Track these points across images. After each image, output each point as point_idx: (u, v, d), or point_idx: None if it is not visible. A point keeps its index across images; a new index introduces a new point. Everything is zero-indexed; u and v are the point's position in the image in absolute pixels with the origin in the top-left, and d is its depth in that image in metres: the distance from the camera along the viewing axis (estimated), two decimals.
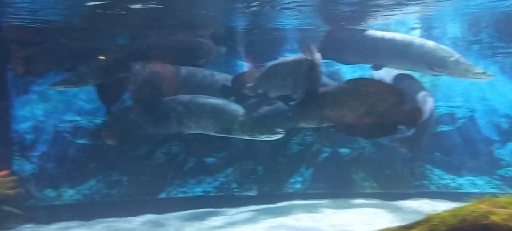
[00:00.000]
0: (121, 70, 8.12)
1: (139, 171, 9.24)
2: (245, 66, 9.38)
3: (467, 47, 8.99)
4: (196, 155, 9.48)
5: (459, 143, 9.39)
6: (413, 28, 9.53)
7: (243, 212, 8.68)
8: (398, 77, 8.50)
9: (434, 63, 7.77)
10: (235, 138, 8.34)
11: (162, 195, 9.26)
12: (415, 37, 8.15)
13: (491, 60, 8.97)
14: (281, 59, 8.00)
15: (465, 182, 9.30)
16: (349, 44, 8.32)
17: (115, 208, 8.73)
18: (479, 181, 9.30)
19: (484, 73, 7.59)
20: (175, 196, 9.30)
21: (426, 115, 7.46)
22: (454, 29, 9.53)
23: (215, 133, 7.80)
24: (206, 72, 8.39)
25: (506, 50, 9.25)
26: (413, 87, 8.23)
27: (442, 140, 9.37)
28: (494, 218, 2.39)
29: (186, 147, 9.41)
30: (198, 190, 9.37)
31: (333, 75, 9.52)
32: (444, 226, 2.67)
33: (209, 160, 9.51)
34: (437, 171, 9.43)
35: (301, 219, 7.91)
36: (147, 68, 7.99)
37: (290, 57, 8.10)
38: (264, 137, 7.60)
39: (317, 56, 7.03)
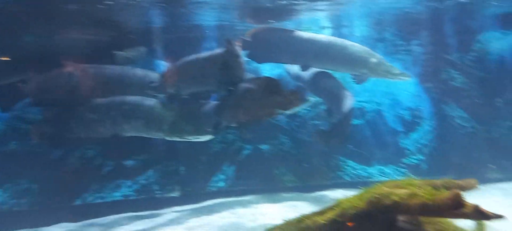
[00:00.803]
0: (17, 72, 7.58)
1: (51, 177, 8.68)
2: (163, 65, 9.23)
3: (373, 45, 9.64)
4: (114, 158, 9.14)
5: (368, 135, 10.07)
6: (324, 27, 10.03)
7: (166, 213, 8.54)
8: (318, 75, 8.88)
9: (357, 64, 8.18)
10: (154, 138, 8.19)
11: (78, 201, 8.79)
12: (339, 38, 8.47)
13: (394, 58, 9.72)
14: (195, 55, 7.84)
15: (375, 171, 9.99)
16: (276, 45, 8.50)
17: (25, 218, 8.13)
18: (387, 170, 10.04)
19: (402, 74, 8.15)
20: (92, 202, 8.88)
21: (346, 111, 7.90)
22: (361, 28, 10.19)
23: (142, 134, 7.60)
24: (127, 70, 8.14)
25: (407, 48, 10.10)
26: (333, 85, 8.66)
27: (354, 133, 9.99)
28: (394, 197, 2.63)
29: (103, 150, 9.03)
30: (117, 195, 9.03)
31: (255, 73, 9.74)
32: (352, 209, 2.87)
33: (128, 162, 9.22)
34: (350, 163, 10.03)
35: (225, 216, 7.97)
36: (52, 69, 7.53)
37: (206, 53, 7.99)
38: (193, 138, 7.53)
39: (238, 49, 7.12)
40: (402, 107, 10.28)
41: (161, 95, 7.87)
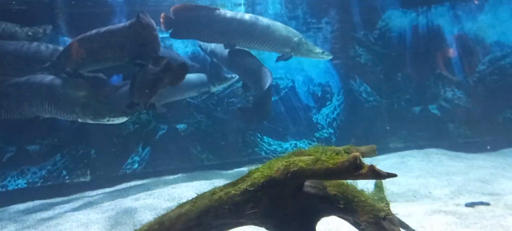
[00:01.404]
0: None
1: None
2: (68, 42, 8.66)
3: (286, 22, 9.88)
4: (16, 143, 8.46)
5: (283, 111, 10.39)
6: (238, 4, 10.06)
7: (78, 199, 8.14)
8: (235, 52, 8.89)
9: (280, 43, 8.31)
10: (62, 121, 7.71)
11: None
12: (263, 18, 8.51)
13: (306, 35, 10.05)
14: (99, 29, 7.28)
15: (289, 146, 10.38)
16: (201, 23, 8.35)
17: None
18: (301, 144, 10.47)
19: (323, 53, 8.44)
20: None
21: (266, 88, 8.04)
22: (274, 5, 10.37)
23: (53, 116, 7.10)
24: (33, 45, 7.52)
25: (318, 26, 10.49)
26: (250, 62, 8.75)
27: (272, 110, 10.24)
28: (300, 164, 2.74)
29: (3, 135, 8.30)
30: (22, 182, 8.41)
31: (169, 51, 9.51)
32: (262, 178, 2.95)
33: (33, 147, 8.59)
34: (265, 138, 10.30)
35: (140, 198, 7.80)
36: None
37: (113, 26, 7.45)
38: (107, 120, 7.19)
39: (151, 21, 6.88)
40: (314, 83, 10.71)
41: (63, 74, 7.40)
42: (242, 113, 8.92)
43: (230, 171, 9.48)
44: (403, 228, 4.21)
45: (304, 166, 2.75)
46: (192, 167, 9.70)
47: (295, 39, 8.38)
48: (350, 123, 10.49)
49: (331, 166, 2.62)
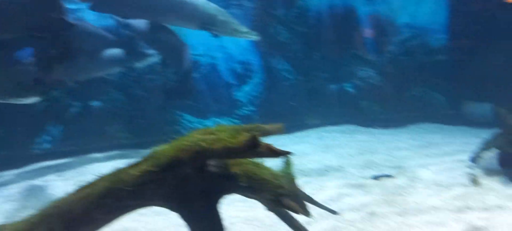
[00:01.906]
0: None
1: None
2: None
3: None
4: None
5: (204, 88, 10.30)
6: None
7: None
8: (153, 26, 8.56)
9: (205, 21, 8.07)
10: None
11: None
12: None
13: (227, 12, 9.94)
14: None
15: (211, 124, 10.35)
16: None
17: None
18: (222, 121, 10.47)
19: (249, 32, 8.31)
20: None
21: (187, 65, 7.87)
22: None
23: None
24: None
25: (238, 2, 10.44)
26: (170, 37, 8.49)
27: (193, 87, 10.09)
28: (201, 143, 2.72)
29: None
30: None
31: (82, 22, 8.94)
32: (166, 158, 2.89)
33: None
34: (186, 116, 10.17)
35: (49, 180, 7.38)
36: None
37: None
38: (16, 100, 6.61)
39: None
40: (235, 60, 10.72)
41: None
42: (167, 95, 8.70)
43: (148, 150, 9.20)
44: (310, 202, 4.38)
45: (206, 146, 2.73)
46: (108, 146, 9.32)
47: (221, 17, 8.24)
48: (270, 100, 10.67)
49: (230, 145, 2.63)
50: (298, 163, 7.76)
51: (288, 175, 4.21)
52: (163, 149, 3.02)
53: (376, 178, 6.54)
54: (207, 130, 3.09)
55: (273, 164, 4.28)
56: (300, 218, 4.08)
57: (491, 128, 7.21)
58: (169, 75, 9.65)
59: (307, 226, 3.95)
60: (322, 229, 4.64)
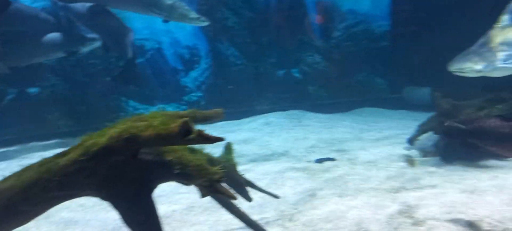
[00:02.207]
0: None
1: None
2: None
3: None
4: None
5: (149, 74, 10.05)
6: None
7: None
8: (93, 9, 8.19)
9: (153, 5, 7.76)
10: None
11: None
12: None
13: None
14: None
15: (157, 110, 10.13)
16: None
17: None
18: (169, 108, 10.31)
19: (199, 18, 8.04)
20: None
21: (129, 49, 7.59)
22: None
23: None
24: None
25: None
26: (111, 20, 8.15)
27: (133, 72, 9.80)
28: (135, 130, 2.64)
29: None
30: None
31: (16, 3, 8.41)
32: (95, 146, 2.78)
33: None
34: (131, 102, 9.90)
35: None
36: None
37: None
38: None
39: None
40: (181, 46, 10.53)
41: None
42: (114, 81, 8.38)
43: None
44: (252, 187, 4.41)
45: (137, 133, 2.65)
46: (48, 134, 8.93)
47: (168, 2, 7.95)
48: (218, 86, 10.60)
49: (162, 132, 2.57)
50: (244, 148, 7.84)
51: (228, 160, 4.21)
52: (93, 136, 2.91)
53: (319, 161, 6.69)
54: (140, 117, 3.00)
55: (215, 150, 4.27)
56: (243, 203, 4.12)
57: (429, 111, 7.54)
58: (111, 60, 9.34)
59: (249, 211, 3.99)
60: (264, 213, 4.70)
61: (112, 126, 2.98)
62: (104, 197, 2.92)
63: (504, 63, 5.10)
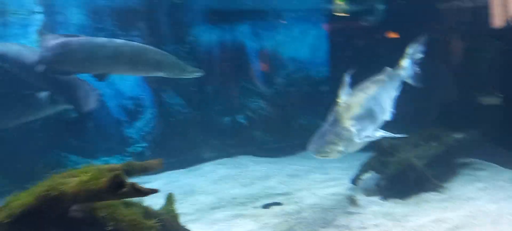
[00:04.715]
0: None
1: None
2: None
3: (94, 34, 9.32)
4: None
5: (91, 126, 9.74)
6: (34, 12, 9.13)
7: None
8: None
9: (158, 67, 7.76)
10: None
11: None
12: (134, 43, 7.96)
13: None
14: None
15: (100, 163, 9.76)
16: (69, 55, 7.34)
17: None
18: (113, 160, 9.95)
19: (195, 70, 8.02)
20: None
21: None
22: (77, 15, 9.72)
23: None
24: None
25: (127, 38, 10.18)
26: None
27: (75, 125, 9.48)
28: (63, 188, 2.54)
29: None
30: None
31: None
32: (19, 207, 2.65)
33: None
34: (72, 157, 9.49)
35: None
36: None
37: None
38: None
39: None
40: (125, 97, 10.37)
41: None
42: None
43: None
44: None
45: (66, 190, 2.55)
46: None
47: (169, 61, 7.99)
48: (164, 135, 10.44)
49: (91, 187, 2.49)
50: (190, 198, 7.70)
51: (169, 212, 4.13)
52: (20, 196, 2.77)
53: (266, 206, 6.69)
54: (71, 172, 2.91)
55: (156, 201, 4.16)
56: None
57: (369, 151, 7.80)
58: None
59: None
60: None
61: (40, 183, 2.86)
62: None
63: (359, 139, 5.28)
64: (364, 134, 5.33)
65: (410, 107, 9.49)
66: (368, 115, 5.58)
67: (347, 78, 5.71)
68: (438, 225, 5.42)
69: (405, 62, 6.65)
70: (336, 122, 5.33)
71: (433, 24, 9.87)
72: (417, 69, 6.75)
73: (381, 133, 5.62)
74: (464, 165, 8.13)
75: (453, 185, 7.13)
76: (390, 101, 6.20)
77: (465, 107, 9.20)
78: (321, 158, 5.18)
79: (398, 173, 6.73)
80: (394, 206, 6.32)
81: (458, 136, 8.16)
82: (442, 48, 9.97)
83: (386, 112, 6.01)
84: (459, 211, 5.86)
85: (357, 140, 5.23)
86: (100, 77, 7.93)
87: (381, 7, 11.03)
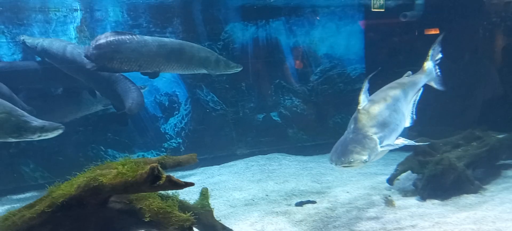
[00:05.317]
0: None
1: None
2: None
3: (130, 30, 9.51)
4: None
5: (128, 122, 9.96)
6: (75, 10, 9.42)
7: None
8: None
9: (202, 64, 8.08)
10: None
11: None
12: (182, 41, 8.24)
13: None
14: None
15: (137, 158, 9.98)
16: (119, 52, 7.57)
17: None
18: (149, 155, 10.17)
19: (236, 65, 8.41)
20: None
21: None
22: (115, 13, 9.94)
23: None
24: None
25: (162, 35, 10.36)
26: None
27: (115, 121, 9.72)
28: (102, 179, 2.60)
29: None
30: None
31: None
32: (62, 197, 2.73)
33: None
34: (110, 151, 9.76)
35: None
36: None
37: None
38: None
39: None
40: (161, 93, 10.54)
41: None
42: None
43: None
44: None
45: (104, 181, 2.61)
46: (23, 187, 8.68)
47: (214, 58, 8.25)
48: (198, 131, 10.56)
49: (130, 179, 2.54)
50: (224, 193, 7.74)
51: (203, 206, 4.16)
52: (61, 186, 2.86)
53: (299, 204, 6.64)
54: (110, 164, 2.98)
55: (190, 196, 4.21)
56: None
57: (407, 150, 7.60)
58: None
59: None
60: None
61: (80, 174, 2.94)
62: None
63: (382, 147, 4.95)
64: (386, 142, 5.09)
65: (449, 106, 9.23)
66: (389, 122, 5.30)
67: (366, 84, 5.51)
68: (477, 227, 5.22)
69: (428, 65, 6.41)
70: (358, 130, 5.06)
71: (477, 19, 9.49)
72: (439, 71, 6.47)
73: (402, 141, 5.37)
74: (507, 167, 7.79)
75: (495, 186, 6.85)
76: (411, 107, 5.97)
77: (508, 106, 8.83)
78: (344, 168, 4.88)
79: (437, 173, 6.51)
80: (432, 207, 6.13)
81: (501, 136, 7.83)
82: (485, 44, 9.58)
83: (407, 119, 5.79)
84: (501, 214, 5.61)
85: (380, 149, 4.97)
86: (152, 75, 8.20)
87: (420, 1, 10.71)
